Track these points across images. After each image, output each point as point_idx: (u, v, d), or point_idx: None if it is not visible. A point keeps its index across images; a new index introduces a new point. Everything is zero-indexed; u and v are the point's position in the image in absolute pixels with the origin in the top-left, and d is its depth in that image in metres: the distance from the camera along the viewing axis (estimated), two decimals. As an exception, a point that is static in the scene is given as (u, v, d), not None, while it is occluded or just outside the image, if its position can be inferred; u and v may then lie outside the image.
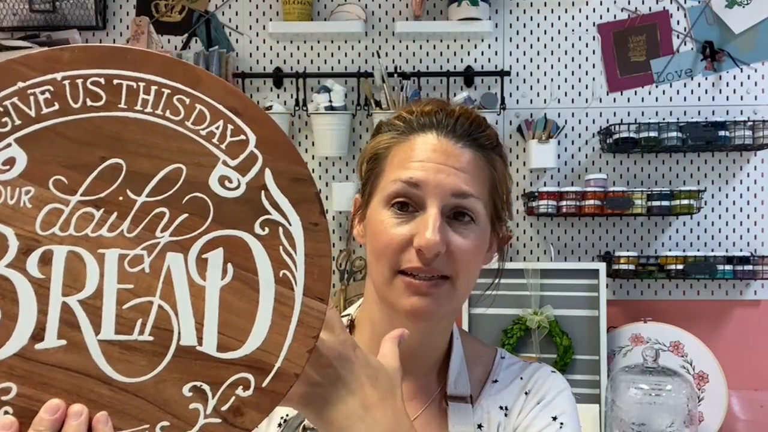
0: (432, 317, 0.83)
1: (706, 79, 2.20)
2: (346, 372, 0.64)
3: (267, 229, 0.55)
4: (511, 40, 2.22)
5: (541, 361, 1.08)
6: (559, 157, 2.18)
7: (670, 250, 2.16)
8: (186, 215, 0.54)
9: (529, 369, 0.95)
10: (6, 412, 0.51)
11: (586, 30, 2.21)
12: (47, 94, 0.52)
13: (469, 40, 2.21)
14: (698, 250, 2.16)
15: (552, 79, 2.22)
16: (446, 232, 0.81)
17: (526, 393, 0.92)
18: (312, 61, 2.23)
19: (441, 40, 2.22)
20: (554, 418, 0.88)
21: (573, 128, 2.21)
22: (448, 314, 0.89)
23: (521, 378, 0.93)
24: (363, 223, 0.89)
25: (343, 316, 0.95)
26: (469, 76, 2.20)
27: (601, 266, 2.04)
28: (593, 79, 2.21)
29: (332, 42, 2.23)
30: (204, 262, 0.54)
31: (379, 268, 0.84)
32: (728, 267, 2.07)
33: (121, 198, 0.53)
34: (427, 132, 0.85)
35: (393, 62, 2.22)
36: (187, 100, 0.54)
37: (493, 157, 0.87)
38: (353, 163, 2.21)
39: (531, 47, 2.22)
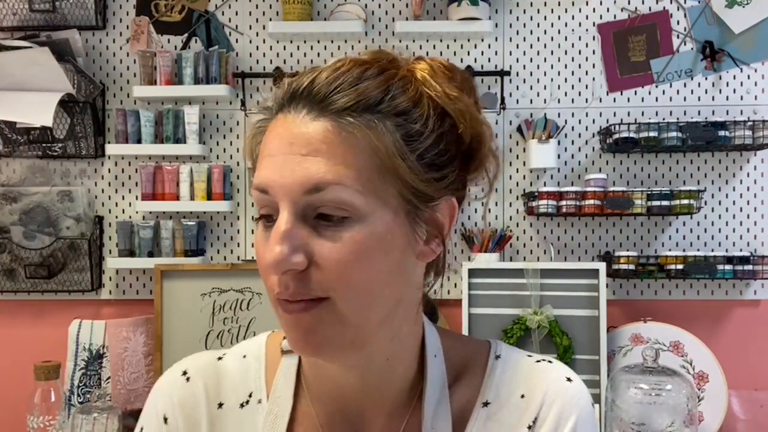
0: (326, 349, 0.64)
1: (706, 79, 2.19)
2: None
3: None
4: (511, 40, 2.22)
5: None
6: (559, 157, 2.18)
7: (670, 250, 2.16)
8: None
9: (533, 378, 0.75)
10: None
11: (586, 30, 2.21)
12: None
13: (469, 40, 2.21)
14: (698, 250, 2.16)
15: (552, 79, 2.21)
16: (305, 241, 0.62)
17: (529, 427, 0.73)
18: (312, 61, 2.23)
19: (441, 40, 2.22)
20: None
21: (573, 128, 2.21)
22: (373, 337, 0.67)
23: (522, 396, 0.74)
24: None
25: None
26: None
27: (601, 266, 2.04)
28: (593, 79, 2.21)
29: (332, 42, 2.23)
30: None
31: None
32: (728, 267, 2.07)
33: None
34: (283, 112, 0.65)
35: (393, 62, 2.22)
36: None
37: (370, 119, 0.63)
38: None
39: (531, 47, 2.22)
